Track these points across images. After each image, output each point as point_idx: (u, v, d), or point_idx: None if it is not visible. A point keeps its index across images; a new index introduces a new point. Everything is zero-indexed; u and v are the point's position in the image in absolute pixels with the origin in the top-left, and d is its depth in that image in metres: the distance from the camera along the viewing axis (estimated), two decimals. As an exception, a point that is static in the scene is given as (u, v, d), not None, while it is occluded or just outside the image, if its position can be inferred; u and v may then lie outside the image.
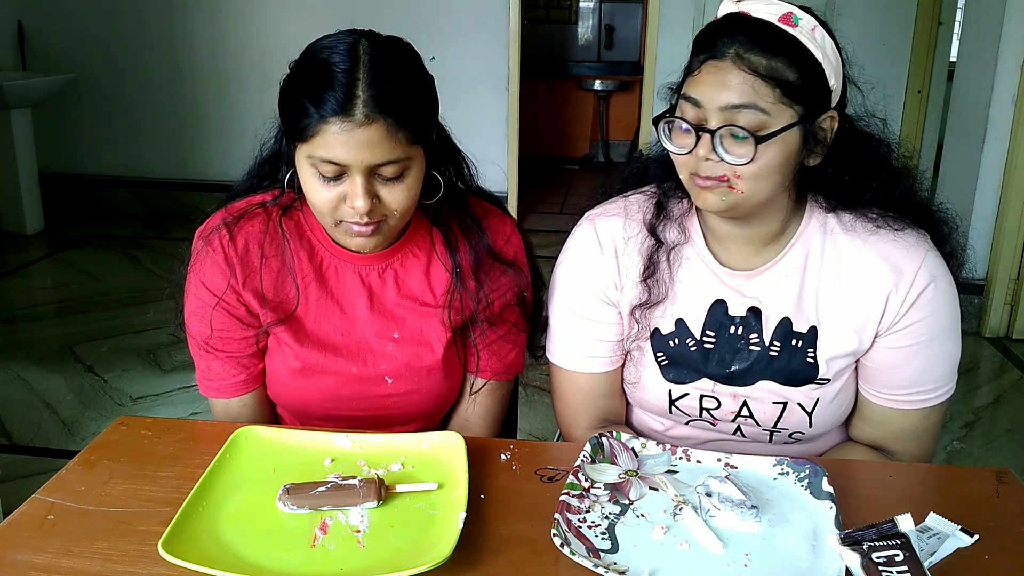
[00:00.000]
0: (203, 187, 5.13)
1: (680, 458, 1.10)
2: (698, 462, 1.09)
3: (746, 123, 1.04)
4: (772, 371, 1.19)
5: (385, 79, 1.06)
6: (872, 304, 1.16)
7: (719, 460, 1.08)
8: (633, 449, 1.11)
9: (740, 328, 1.19)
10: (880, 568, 0.81)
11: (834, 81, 1.09)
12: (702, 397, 1.22)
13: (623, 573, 0.88)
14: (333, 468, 1.07)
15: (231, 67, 4.97)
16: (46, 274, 4.32)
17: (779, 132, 1.05)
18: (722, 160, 1.05)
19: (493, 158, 4.87)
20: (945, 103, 4.56)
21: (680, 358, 1.22)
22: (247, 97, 5.00)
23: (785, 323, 1.18)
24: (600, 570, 0.86)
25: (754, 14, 1.07)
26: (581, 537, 0.94)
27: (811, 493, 1.02)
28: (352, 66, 1.06)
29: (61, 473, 1.05)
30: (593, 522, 0.97)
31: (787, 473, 1.05)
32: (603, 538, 0.94)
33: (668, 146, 1.11)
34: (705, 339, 1.21)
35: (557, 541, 0.90)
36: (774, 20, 1.06)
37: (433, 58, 4.87)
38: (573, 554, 0.88)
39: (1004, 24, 3.36)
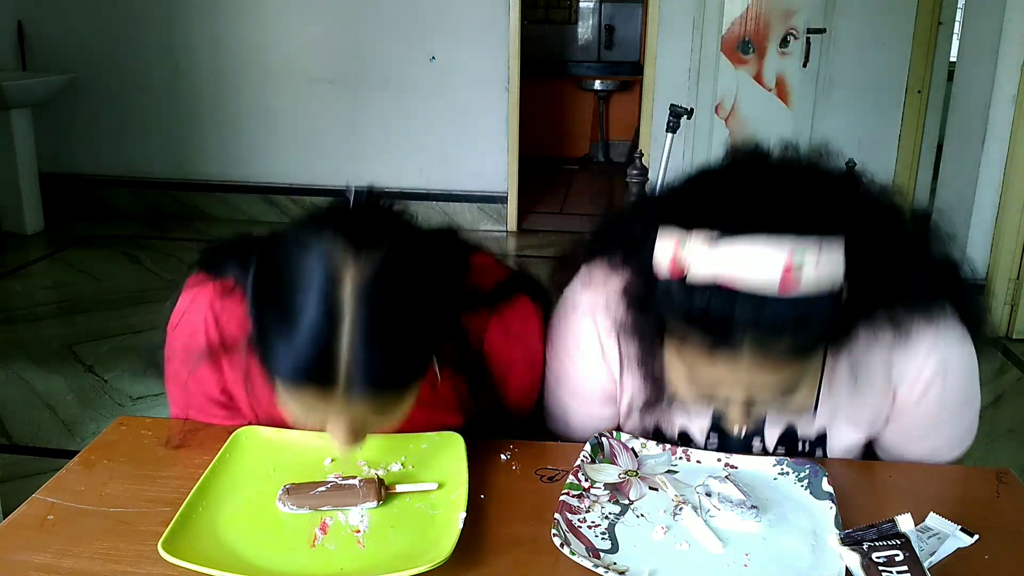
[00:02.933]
0: (203, 187, 5.14)
1: (680, 458, 1.10)
2: (698, 462, 1.09)
3: (779, 391, 0.93)
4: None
5: (372, 360, 0.86)
6: (882, 401, 1.10)
7: (719, 460, 1.08)
8: (633, 449, 1.11)
9: (743, 434, 1.13)
10: (880, 568, 0.81)
11: (841, 267, 0.88)
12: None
13: (623, 573, 0.88)
14: (333, 468, 1.07)
15: (231, 67, 4.97)
16: (46, 274, 4.32)
17: (812, 370, 0.96)
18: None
19: (493, 158, 4.90)
20: (945, 103, 4.56)
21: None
22: (247, 97, 5.00)
23: (789, 431, 1.13)
24: (600, 570, 0.86)
25: (749, 283, 0.84)
26: (581, 537, 0.94)
27: (811, 493, 1.01)
28: (330, 338, 0.84)
29: (61, 473, 1.05)
30: (593, 522, 0.97)
31: (787, 473, 1.05)
32: (603, 538, 0.94)
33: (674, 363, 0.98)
34: (709, 442, 1.16)
35: (557, 541, 0.90)
36: (775, 289, 0.84)
37: (433, 58, 4.87)
38: (573, 554, 0.88)
39: (1004, 24, 3.36)
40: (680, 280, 0.88)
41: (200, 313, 1.10)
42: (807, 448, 1.14)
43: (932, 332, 1.06)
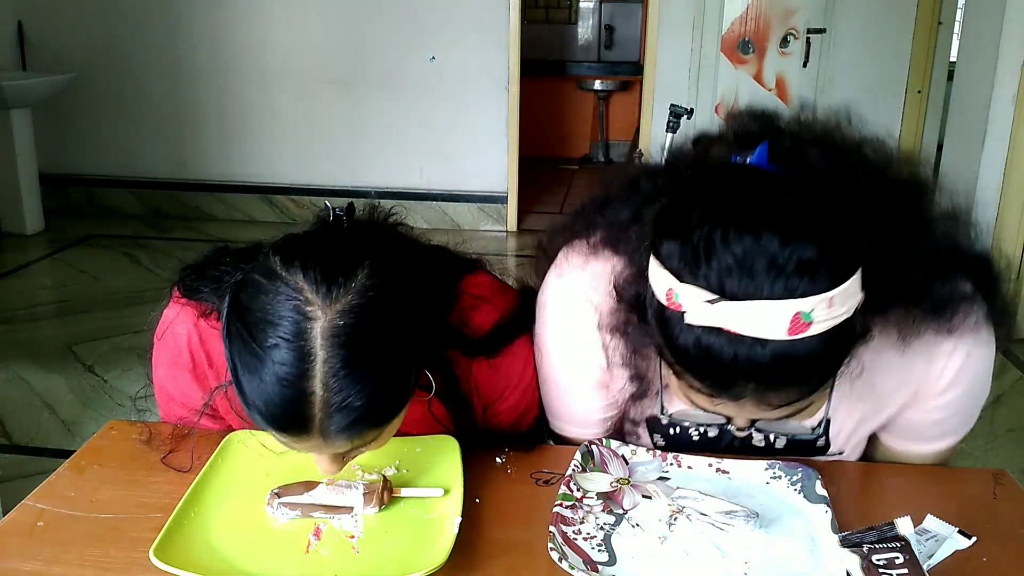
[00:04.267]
0: (203, 187, 5.14)
1: (671, 464, 1.08)
2: (689, 467, 1.07)
3: (786, 418, 0.87)
4: (780, 452, 1.12)
5: (346, 404, 0.82)
6: (894, 399, 1.08)
7: (710, 465, 1.07)
8: (623, 456, 1.09)
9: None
10: (880, 570, 0.81)
11: (858, 292, 0.82)
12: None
13: (621, 583, 0.86)
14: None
15: (231, 67, 4.97)
16: (46, 274, 4.33)
17: (823, 393, 0.87)
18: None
19: (493, 158, 4.89)
20: (945, 103, 4.56)
21: (680, 444, 1.13)
22: (247, 97, 5.00)
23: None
24: (598, 581, 0.85)
25: (752, 334, 0.77)
26: (577, 550, 0.92)
27: (804, 496, 1.00)
28: (301, 384, 0.82)
29: (51, 478, 1.04)
30: (588, 534, 0.95)
31: (779, 477, 1.04)
32: (600, 550, 0.93)
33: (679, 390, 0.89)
34: (709, 431, 1.12)
35: (555, 556, 0.88)
36: (783, 335, 0.77)
37: (433, 58, 4.87)
38: (572, 568, 0.86)
39: (1004, 24, 3.35)
40: (680, 314, 0.80)
41: (185, 328, 1.09)
42: (809, 434, 1.07)
43: (956, 335, 1.01)
